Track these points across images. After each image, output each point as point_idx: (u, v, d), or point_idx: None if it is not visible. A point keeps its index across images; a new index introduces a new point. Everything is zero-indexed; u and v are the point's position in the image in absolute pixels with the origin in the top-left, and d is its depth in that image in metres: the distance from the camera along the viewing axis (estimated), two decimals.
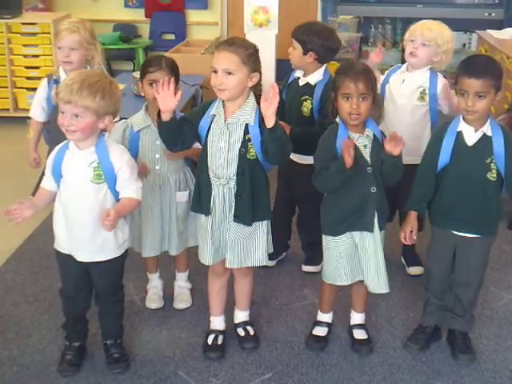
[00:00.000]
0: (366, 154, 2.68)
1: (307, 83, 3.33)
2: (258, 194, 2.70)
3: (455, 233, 2.78)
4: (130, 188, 2.56)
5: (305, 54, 3.29)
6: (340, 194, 2.74)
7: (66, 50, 3.28)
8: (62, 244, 2.64)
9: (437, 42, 3.27)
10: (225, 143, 2.64)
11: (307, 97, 3.31)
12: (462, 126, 2.68)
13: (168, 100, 2.54)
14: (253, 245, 2.77)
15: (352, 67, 2.70)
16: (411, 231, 2.82)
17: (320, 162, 2.72)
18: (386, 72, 3.50)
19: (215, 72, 2.58)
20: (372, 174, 2.68)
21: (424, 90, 3.32)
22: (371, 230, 2.74)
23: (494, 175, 2.66)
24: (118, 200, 2.57)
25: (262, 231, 2.77)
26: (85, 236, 2.56)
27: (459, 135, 2.68)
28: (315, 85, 3.30)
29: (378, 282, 2.81)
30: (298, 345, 2.98)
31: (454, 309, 2.91)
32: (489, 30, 5.99)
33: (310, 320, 3.08)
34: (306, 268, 3.59)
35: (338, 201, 2.76)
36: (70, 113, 2.42)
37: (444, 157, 2.70)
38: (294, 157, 3.35)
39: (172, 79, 2.59)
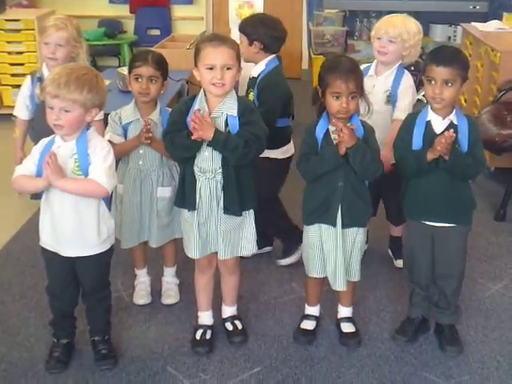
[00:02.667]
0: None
1: (252, 76, 3.34)
2: (244, 183, 2.71)
3: (431, 224, 2.80)
4: (94, 172, 2.47)
5: (250, 44, 3.27)
6: (314, 184, 2.76)
7: (53, 46, 3.27)
8: (47, 241, 2.63)
9: (402, 37, 3.26)
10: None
11: (251, 89, 3.32)
12: (431, 116, 2.71)
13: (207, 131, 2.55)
14: (243, 234, 2.79)
15: (341, 64, 2.65)
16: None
17: (301, 149, 2.75)
18: None
19: (210, 68, 2.56)
20: (342, 169, 2.67)
21: (390, 93, 3.28)
22: (334, 225, 2.75)
23: None
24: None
25: (249, 220, 2.79)
26: (68, 230, 2.55)
27: (428, 125, 2.71)
28: (258, 76, 3.29)
29: (334, 278, 2.82)
30: (286, 339, 2.99)
31: (439, 302, 2.92)
32: (473, 23, 5.98)
33: (298, 314, 3.08)
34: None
35: (312, 191, 2.79)
36: (58, 107, 2.41)
37: (416, 146, 2.71)
38: None
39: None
